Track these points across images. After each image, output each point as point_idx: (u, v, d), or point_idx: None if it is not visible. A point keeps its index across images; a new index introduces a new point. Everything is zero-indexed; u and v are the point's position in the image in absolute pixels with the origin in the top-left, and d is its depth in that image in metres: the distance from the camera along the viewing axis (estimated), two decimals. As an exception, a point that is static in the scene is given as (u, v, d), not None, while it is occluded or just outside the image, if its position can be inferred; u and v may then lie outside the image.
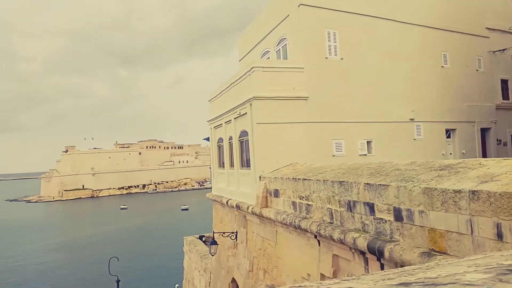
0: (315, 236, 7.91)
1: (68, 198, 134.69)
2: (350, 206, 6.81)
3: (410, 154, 12.90)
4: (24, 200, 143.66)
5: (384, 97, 13.27)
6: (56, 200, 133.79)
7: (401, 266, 5.27)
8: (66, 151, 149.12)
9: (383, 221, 5.95)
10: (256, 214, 10.77)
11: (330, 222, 7.44)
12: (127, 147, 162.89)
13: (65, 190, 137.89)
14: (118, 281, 16.14)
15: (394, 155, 12.42)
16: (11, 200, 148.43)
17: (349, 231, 6.65)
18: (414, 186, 5.33)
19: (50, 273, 44.71)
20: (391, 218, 5.77)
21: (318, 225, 7.57)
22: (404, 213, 5.51)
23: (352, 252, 6.78)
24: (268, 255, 10.41)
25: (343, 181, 7.04)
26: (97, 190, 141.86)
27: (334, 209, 7.33)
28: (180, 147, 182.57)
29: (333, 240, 7.06)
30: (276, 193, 9.87)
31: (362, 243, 6.17)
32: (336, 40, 12.52)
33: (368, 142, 12.80)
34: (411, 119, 13.93)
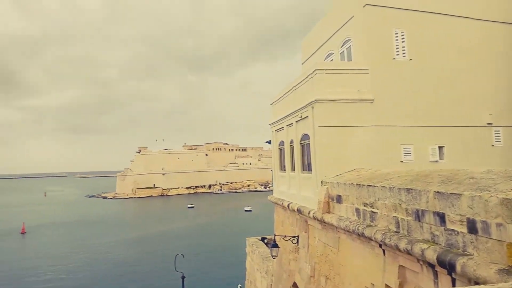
0: (380, 245, 7.58)
1: (140, 196, 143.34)
2: (418, 215, 6.42)
3: (487, 162, 11.85)
4: (102, 197, 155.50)
5: (458, 99, 12.36)
6: (129, 197, 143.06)
7: (476, 283, 4.86)
8: (139, 152, 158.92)
9: (455, 232, 5.52)
10: (317, 219, 10.60)
11: (396, 231, 7.09)
12: (194, 149, 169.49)
13: (138, 188, 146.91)
14: (183, 278, 16.76)
15: (469, 162, 11.50)
16: (90, 196, 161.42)
17: (417, 241, 6.28)
18: (491, 196, 4.87)
19: (122, 266, 47.80)
20: (464, 230, 5.34)
21: (383, 233, 7.25)
22: (479, 225, 5.06)
23: (420, 264, 6.39)
24: (330, 262, 10.19)
25: (411, 189, 6.66)
26: (167, 189, 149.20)
27: (401, 218, 6.97)
28: (244, 150, 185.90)
29: (399, 250, 6.71)
30: (339, 199, 9.63)
31: (431, 255, 5.78)
32: (404, 40, 11.93)
33: (440, 148, 12.00)
34: (489, 123, 12.80)
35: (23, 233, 72.09)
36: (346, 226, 8.77)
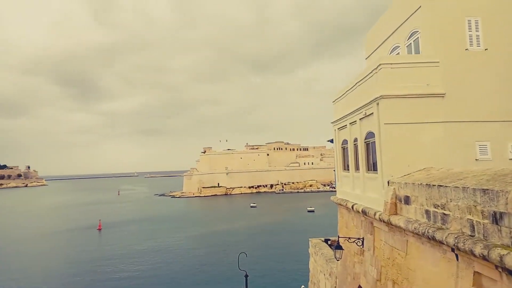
0: (453, 250, 7.06)
1: (205, 195, 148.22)
2: (496, 218, 5.87)
3: None
4: (170, 195, 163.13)
5: (543, 90, 11.14)
6: (195, 196, 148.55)
7: None
8: (204, 152, 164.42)
9: (542, 238, 4.97)
10: (384, 221, 10.15)
11: (470, 235, 6.55)
12: (256, 149, 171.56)
13: (203, 187, 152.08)
14: (246, 276, 17.00)
15: (558, 160, 10.31)
16: (159, 195, 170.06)
17: (494, 246, 5.74)
18: None
19: (189, 262, 49.68)
20: (553, 235, 4.78)
21: (456, 237, 6.74)
22: None
23: (499, 271, 5.84)
24: (397, 266, 9.71)
25: (487, 189, 6.12)
26: (230, 188, 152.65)
27: (476, 221, 6.43)
28: (306, 149, 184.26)
29: (474, 255, 6.19)
30: (407, 200, 9.14)
31: (511, 262, 5.27)
32: (478, 28, 11.01)
33: (522, 144, 10.91)
34: None
35: (99, 229, 77.83)
36: (415, 228, 8.30)
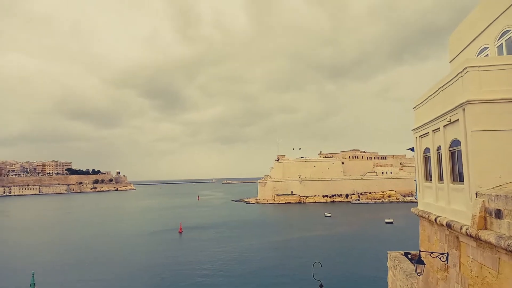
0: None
1: (279, 202, 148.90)
2: None
3: None
4: (245, 202, 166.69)
5: None
6: (269, 203, 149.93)
7: None
8: (278, 160, 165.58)
9: None
10: (471, 236, 9.37)
11: None
12: (330, 157, 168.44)
13: (277, 195, 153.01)
14: (321, 286, 16.72)
15: None
16: (235, 201, 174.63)
17: None
18: None
19: (263, 269, 50.11)
20: None
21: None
22: None
23: None
24: (487, 285, 8.88)
25: None
26: (304, 196, 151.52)
27: None
28: (384, 158, 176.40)
29: None
30: (498, 214, 8.35)
31: None
32: None
33: None
34: None
35: (180, 232, 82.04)
36: (508, 245, 7.55)
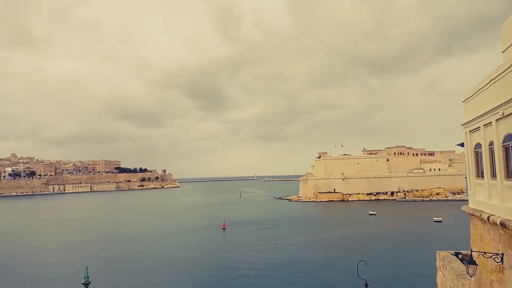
0: None
1: (321, 200, 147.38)
2: None
3: None
4: (287, 199, 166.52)
5: None
6: (311, 201, 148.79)
7: None
8: (319, 157, 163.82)
9: None
10: (528, 236, 8.87)
11: None
12: (374, 154, 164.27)
13: (319, 193, 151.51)
14: (366, 285, 16.43)
15: None
16: (277, 198, 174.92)
17: None
18: None
19: (306, 267, 49.85)
20: None
21: None
22: None
23: None
24: (547, 289, 8.38)
25: None
26: (347, 194, 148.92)
27: None
28: (431, 154, 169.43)
29: None
30: (559, 212, 7.85)
31: None
32: None
33: None
34: None
35: (223, 228, 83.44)
36: None
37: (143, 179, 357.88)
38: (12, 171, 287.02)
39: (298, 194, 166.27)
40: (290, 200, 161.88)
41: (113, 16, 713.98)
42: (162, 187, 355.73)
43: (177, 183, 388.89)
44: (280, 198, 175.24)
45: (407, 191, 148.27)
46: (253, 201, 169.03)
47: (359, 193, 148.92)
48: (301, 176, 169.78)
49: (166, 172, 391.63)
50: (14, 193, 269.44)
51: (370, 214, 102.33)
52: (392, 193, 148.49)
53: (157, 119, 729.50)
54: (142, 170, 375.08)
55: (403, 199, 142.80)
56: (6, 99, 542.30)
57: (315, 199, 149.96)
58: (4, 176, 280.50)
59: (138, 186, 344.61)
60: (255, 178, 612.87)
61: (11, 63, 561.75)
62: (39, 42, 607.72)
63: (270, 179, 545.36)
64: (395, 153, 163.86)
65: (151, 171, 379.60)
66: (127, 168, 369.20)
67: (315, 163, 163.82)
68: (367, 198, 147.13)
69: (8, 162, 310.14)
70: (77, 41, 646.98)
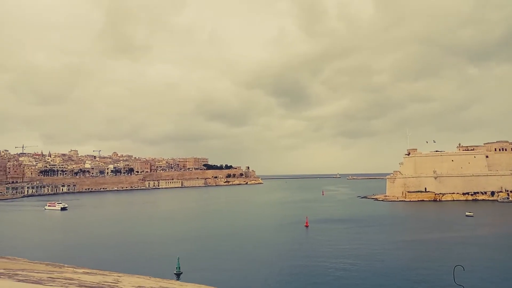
0: None
1: (410, 200, 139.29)
2: None
3: None
4: (372, 198, 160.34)
5: None
6: (400, 201, 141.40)
7: None
8: (408, 154, 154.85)
9: None
10: None
11: None
12: (471, 150, 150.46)
13: (408, 192, 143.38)
14: (464, 292, 15.34)
15: None
16: (361, 197, 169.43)
17: None
18: None
19: (393, 268, 47.60)
20: None
21: None
22: None
23: None
24: None
25: None
26: (440, 193, 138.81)
27: None
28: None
29: None
30: None
31: None
32: None
33: None
34: None
35: (306, 226, 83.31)
36: None
37: (228, 176, 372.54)
38: (114, 168, 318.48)
39: (385, 193, 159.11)
40: (376, 199, 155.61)
41: (203, 21, 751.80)
42: (246, 183, 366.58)
43: (260, 179, 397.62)
44: (364, 197, 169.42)
45: (511, 191, 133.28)
46: (336, 199, 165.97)
47: (453, 193, 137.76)
48: (388, 174, 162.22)
49: (249, 169, 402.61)
50: (116, 188, 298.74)
51: (466, 216, 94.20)
52: (493, 193, 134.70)
53: (242, 118, 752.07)
54: (228, 167, 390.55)
55: (506, 200, 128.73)
56: (111, 104, 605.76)
57: (403, 199, 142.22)
58: (107, 173, 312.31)
59: (224, 182, 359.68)
60: (337, 176, 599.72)
61: (116, 71, 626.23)
62: (140, 50, 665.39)
63: (354, 177, 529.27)
64: (496, 149, 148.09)
65: (236, 168, 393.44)
66: (214, 165, 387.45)
67: (404, 161, 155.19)
68: (462, 198, 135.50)
69: (110, 160, 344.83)
70: (171, 47, 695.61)
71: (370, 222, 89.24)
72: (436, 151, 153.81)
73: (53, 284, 2.66)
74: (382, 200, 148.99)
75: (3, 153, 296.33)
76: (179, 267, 45.57)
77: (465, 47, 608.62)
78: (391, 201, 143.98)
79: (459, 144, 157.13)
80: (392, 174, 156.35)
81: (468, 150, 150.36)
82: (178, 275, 44.45)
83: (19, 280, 2.75)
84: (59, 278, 3.23)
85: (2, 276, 3.04)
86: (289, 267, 49.61)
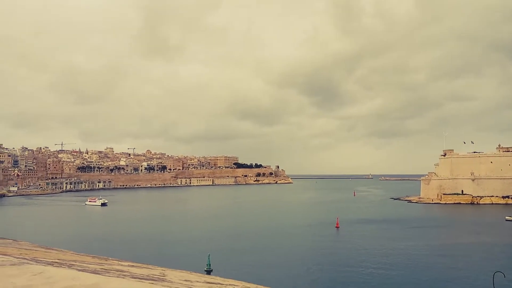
0: None
1: (446, 202, 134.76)
2: None
3: None
4: (406, 200, 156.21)
5: None
6: (434, 203, 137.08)
7: None
8: (445, 155, 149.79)
9: None
10: None
11: None
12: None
13: (443, 194, 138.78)
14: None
15: None
16: (394, 199, 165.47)
17: None
18: None
19: (428, 272, 46.35)
20: None
21: None
22: None
23: None
24: None
25: None
26: (477, 196, 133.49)
27: None
28: None
29: None
30: None
31: None
32: None
33: None
34: None
35: (337, 227, 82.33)
36: None
37: (258, 174, 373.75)
38: (147, 165, 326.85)
39: (419, 195, 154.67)
40: (409, 201, 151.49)
41: (237, 21, 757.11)
42: (276, 183, 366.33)
43: (290, 179, 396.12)
44: (398, 198, 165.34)
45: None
46: (368, 201, 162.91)
47: (492, 196, 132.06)
48: (422, 175, 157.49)
49: (279, 168, 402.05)
50: (149, 185, 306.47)
51: (506, 220, 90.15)
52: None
53: (273, 117, 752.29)
54: (258, 166, 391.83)
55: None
56: (145, 103, 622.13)
57: (438, 201, 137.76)
58: (141, 170, 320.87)
59: (254, 181, 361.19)
60: (370, 176, 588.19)
61: (151, 71, 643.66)
62: (174, 50, 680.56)
63: (387, 178, 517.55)
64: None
65: (265, 167, 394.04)
66: (244, 164, 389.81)
67: (440, 162, 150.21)
68: (502, 201, 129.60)
69: (144, 158, 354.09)
70: (204, 47, 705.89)
71: (404, 224, 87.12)
72: (474, 152, 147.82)
73: (109, 275, 2.88)
74: (416, 202, 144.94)
75: (43, 150, 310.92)
76: (210, 264, 46.24)
77: (509, 43, 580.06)
78: (425, 203, 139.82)
79: (499, 145, 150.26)
80: (427, 176, 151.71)
81: (508, 151, 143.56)
82: (208, 272, 45.13)
83: (79, 270, 3.00)
84: (112, 270, 3.47)
85: (62, 266, 3.31)
86: (318, 267, 49.34)
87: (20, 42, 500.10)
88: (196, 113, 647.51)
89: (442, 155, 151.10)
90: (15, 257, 4.28)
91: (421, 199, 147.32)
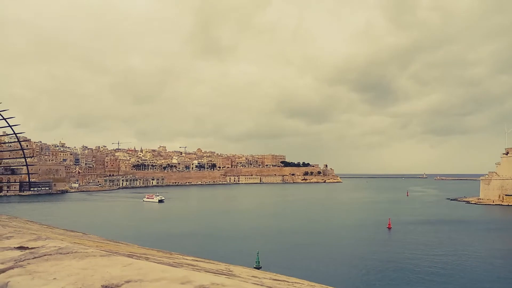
0: None
1: (509, 204, 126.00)
2: None
3: None
4: (463, 201, 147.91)
5: None
6: (495, 204, 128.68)
7: None
8: (507, 153, 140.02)
9: None
10: None
11: None
12: None
13: (505, 195, 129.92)
14: None
15: None
16: (451, 199, 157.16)
17: None
18: None
19: (494, 281, 43.81)
20: None
21: None
22: None
23: None
24: None
25: None
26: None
27: None
28: None
29: None
30: None
31: None
32: None
33: None
34: None
35: (389, 228, 79.72)
36: None
37: (305, 173, 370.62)
38: (198, 163, 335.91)
39: (478, 196, 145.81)
40: (468, 202, 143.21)
41: (287, 19, 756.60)
42: (324, 182, 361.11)
43: (338, 178, 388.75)
44: (455, 199, 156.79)
45: None
46: (422, 201, 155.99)
47: None
48: (482, 175, 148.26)
49: (328, 167, 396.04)
50: (200, 182, 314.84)
51: None
52: None
53: (322, 115, 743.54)
54: (305, 165, 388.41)
55: None
56: (197, 102, 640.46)
57: (500, 203, 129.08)
58: (192, 168, 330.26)
59: (302, 180, 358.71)
60: (424, 176, 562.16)
61: (203, 71, 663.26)
62: (226, 50, 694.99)
63: (442, 178, 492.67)
64: None
65: (313, 166, 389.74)
66: (291, 162, 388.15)
67: (502, 160, 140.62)
68: None
69: (195, 156, 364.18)
70: (254, 46, 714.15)
71: (461, 226, 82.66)
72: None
73: (183, 268, 3.12)
74: (475, 203, 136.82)
75: (102, 149, 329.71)
76: (259, 261, 46.70)
77: None
78: (485, 204, 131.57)
79: None
80: (487, 175, 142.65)
81: None
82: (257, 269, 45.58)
83: (157, 263, 3.25)
84: (184, 264, 3.72)
85: (140, 258, 3.58)
86: (369, 267, 48.17)
87: (81, 47, 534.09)
88: (245, 111, 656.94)
89: (504, 154, 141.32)
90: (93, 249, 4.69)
91: (481, 200, 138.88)
